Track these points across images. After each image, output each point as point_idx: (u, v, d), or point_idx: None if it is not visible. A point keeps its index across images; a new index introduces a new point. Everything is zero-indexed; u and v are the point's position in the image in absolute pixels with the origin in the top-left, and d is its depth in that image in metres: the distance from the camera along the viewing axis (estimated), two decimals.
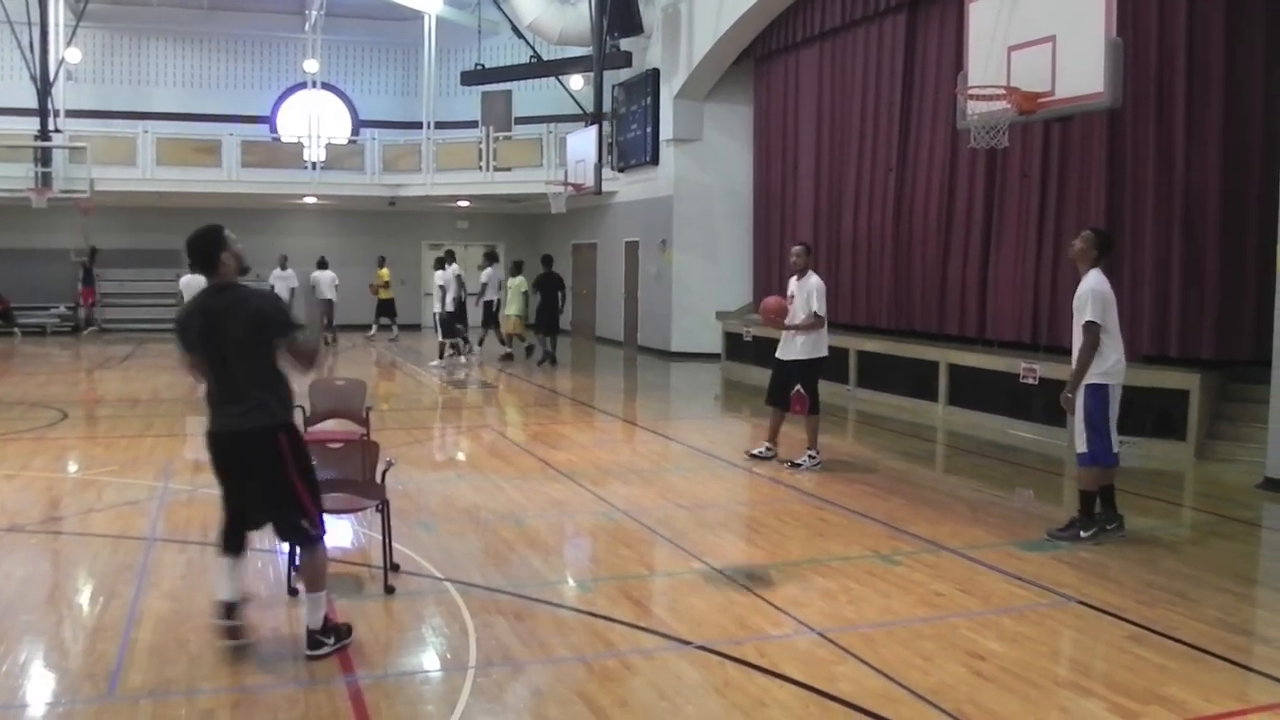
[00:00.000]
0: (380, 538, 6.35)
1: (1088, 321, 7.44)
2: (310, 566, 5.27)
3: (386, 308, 24.96)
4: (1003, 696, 4.75)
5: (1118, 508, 7.73)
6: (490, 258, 20.93)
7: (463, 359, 19.80)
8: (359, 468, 6.29)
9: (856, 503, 8.63)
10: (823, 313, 10.14)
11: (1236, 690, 4.90)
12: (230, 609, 5.15)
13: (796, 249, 10.51)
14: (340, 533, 7.53)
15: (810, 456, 10.16)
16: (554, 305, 19.92)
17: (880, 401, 14.72)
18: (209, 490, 8.83)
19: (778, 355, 10.37)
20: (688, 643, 5.40)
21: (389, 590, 6.14)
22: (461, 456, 11.44)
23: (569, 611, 5.94)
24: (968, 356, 13.38)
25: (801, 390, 10.15)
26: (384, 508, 6.26)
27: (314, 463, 5.98)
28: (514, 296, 19.85)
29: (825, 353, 10.35)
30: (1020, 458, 11.07)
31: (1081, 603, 6.08)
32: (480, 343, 20.72)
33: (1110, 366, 7.49)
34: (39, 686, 4.88)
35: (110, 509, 8.20)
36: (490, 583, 6.41)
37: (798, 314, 10.12)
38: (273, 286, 22.13)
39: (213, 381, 5.13)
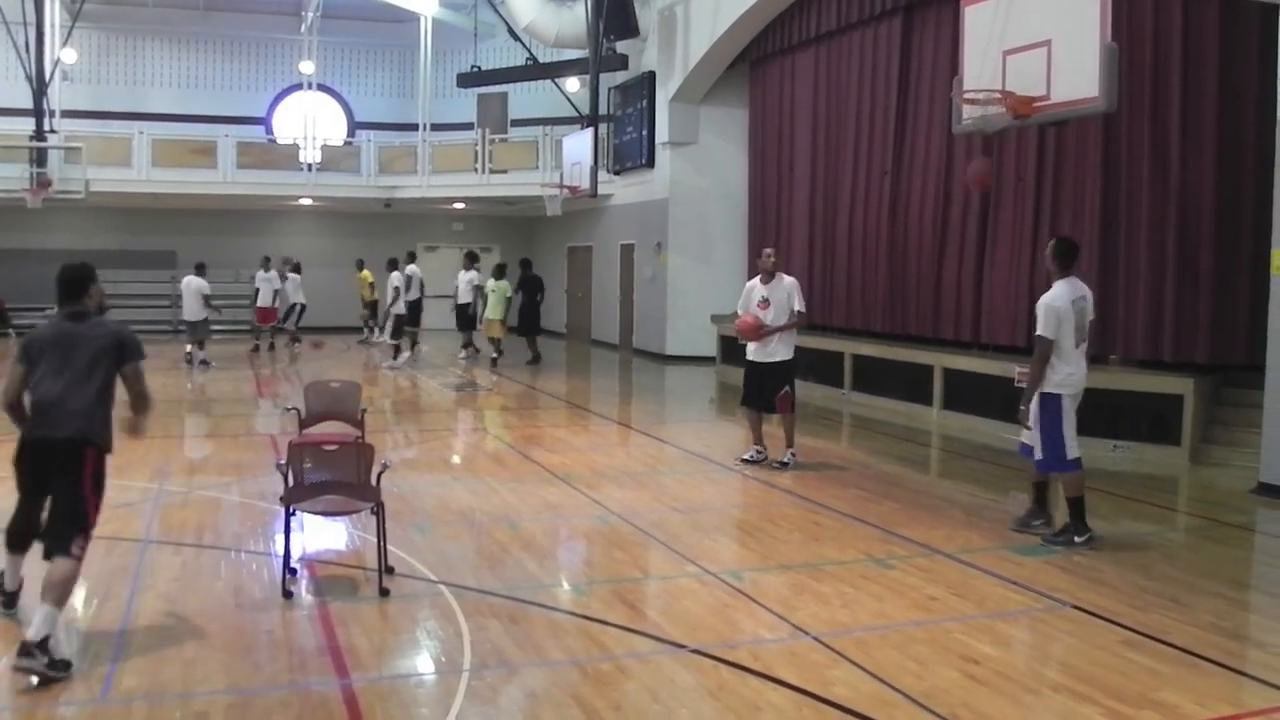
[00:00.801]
0: (375, 540, 6.35)
1: (1038, 335, 7.53)
2: (63, 582, 5.21)
3: (375, 309, 24.62)
4: (996, 700, 4.76)
5: (1048, 506, 7.97)
6: (471, 259, 20.61)
7: (398, 361, 19.42)
8: (354, 470, 6.28)
9: (851, 506, 8.64)
10: (804, 309, 10.23)
11: (1230, 695, 4.91)
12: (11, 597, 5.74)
13: (769, 251, 10.58)
14: (335, 535, 7.53)
15: (793, 454, 10.29)
16: (535, 306, 20.22)
17: (875, 405, 14.73)
18: (204, 492, 8.87)
19: (753, 359, 10.37)
20: (682, 646, 5.40)
21: (384, 593, 6.14)
22: (456, 459, 11.44)
23: (563, 614, 5.94)
24: (962, 360, 13.40)
25: (788, 390, 10.22)
26: (379, 510, 6.26)
27: (306, 465, 6.04)
28: (498, 301, 19.36)
29: (793, 353, 10.42)
30: (1015, 462, 11.04)
31: (1075, 607, 6.09)
32: (464, 346, 20.57)
33: (1062, 379, 7.51)
34: (33, 689, 4.87)
35: (105, 510, 8.16)
36: (485, 585, 6.41)
37: (780, 316, 10.16)
38: (258, 290, 22.07)
39: (44, 393, 5.43)
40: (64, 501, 5.43)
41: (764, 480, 9.78)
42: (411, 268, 20.03)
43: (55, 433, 5.39)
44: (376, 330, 23.98)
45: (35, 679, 4.82)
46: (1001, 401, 12.41)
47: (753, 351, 10.34)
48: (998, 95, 9.79)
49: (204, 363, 19.09)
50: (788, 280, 10.31)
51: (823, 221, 17.33)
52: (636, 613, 5.99)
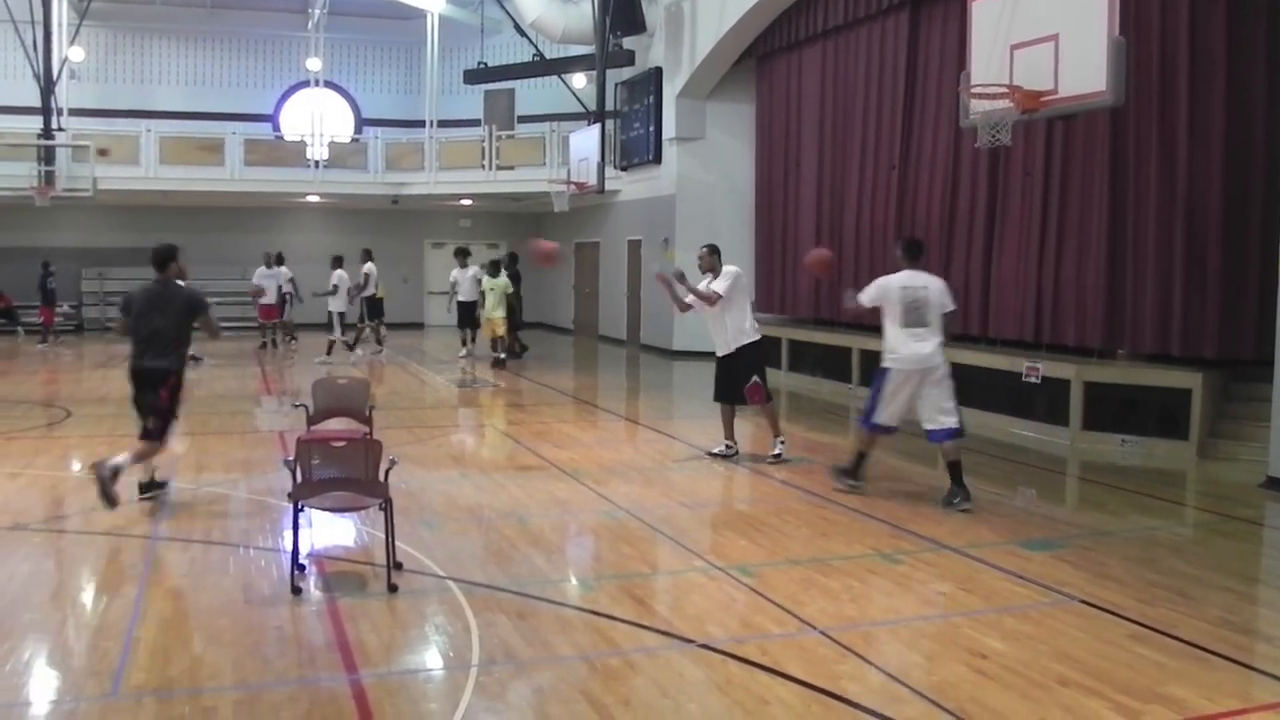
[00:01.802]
0: (383, 536, 6.36)
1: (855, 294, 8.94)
2: (142, 450, 8.19)
3: (377, 307, 24.40)
4: (1004, 695, 4.76)
5: (861, 473, 8.95)
6: (463, 254, 20.35)
7: (329, 356, 19.37)
8: (362, 466, 6.29)
9: (858, 501, 8.63)
10: (723, 293, 10.08)
11: (1239, 689, 4.90)
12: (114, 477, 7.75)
13: (704, 251, 10.54)
14: (343, 531, 7.55)
15: (781, 443, 10.28)
16: (517, 300, 20.06)
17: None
18: (212, 489, 8.90)
19: (718, 354, 10.38)
20: (690, 641, 5.41)
21: (392, 589, 6.15)
22: (464, 455, 11.45)
23: (571, 610, 5.95)
24: (970, 355, 13.36)
25: (757, 380, 10.17)
26: (387, 506, 6.27)
27: (314, 461, 6.08)
28: (497, 299, 18.72)
29: (759, 335, 10.37)
30: (1022, 456, 11.07)
31: (1083, 601, 6.09)
32: (466, 343, 20.45)
33: (889, 353, 8.61)
34: (43, 685, 4.90)
35: (114, 512, 8.21)
36: (493, 581, 6.42)
37: (727, 309, 10.16)
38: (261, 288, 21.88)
39: (140, 336, 8.29)
40: (148, 405, 8.27)
41: (771, 475, 9.78)
42: (369, 265, 20.52)
43: (146, 364, 8.26)
44: (366, 329, 24.00)
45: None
46: (1009, 396, 12.43)
47: (717, 347, 10.34)
48: (1005, 90, 9.78)
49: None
50: (724, 272, 10.24)
51: (830, 216, 17.31)
52: (645, 608, 6.00)
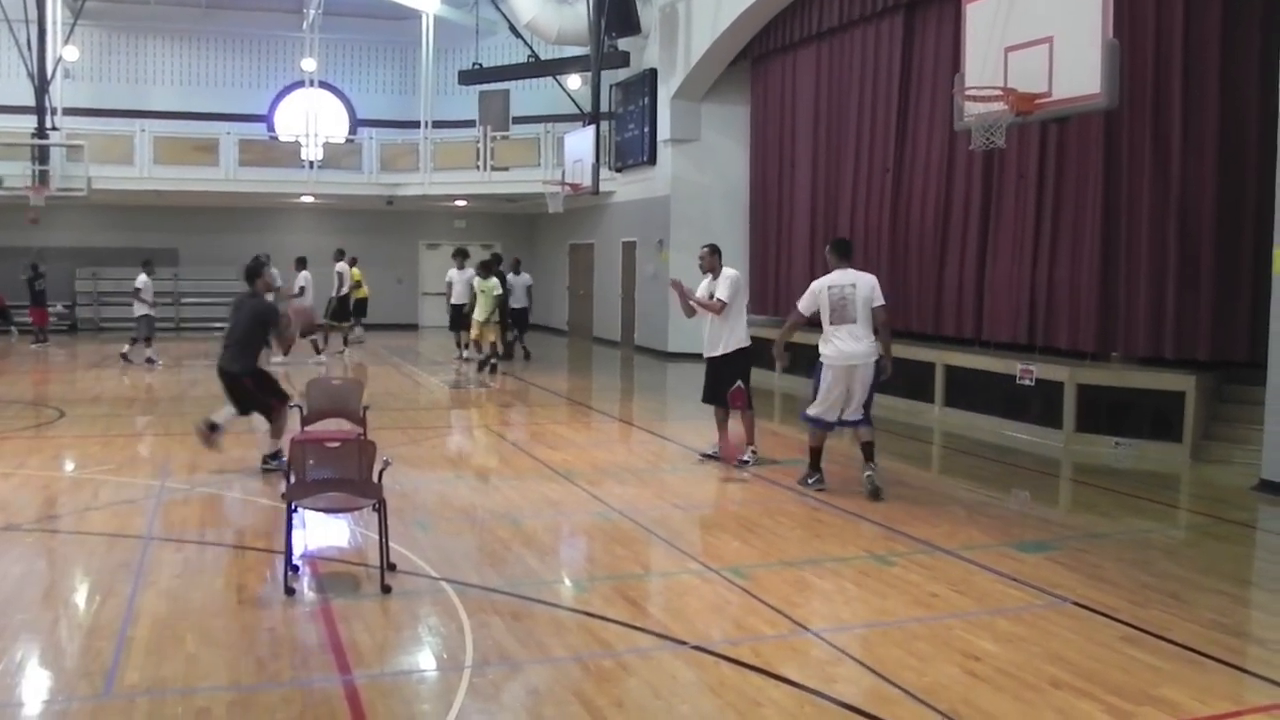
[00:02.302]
0: (377, 537, 6.35)
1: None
2: (268, 427, 9.70)
3: (360, 307, 24.35)
4: (997, 697, 4.76)
5: (820, 466, 9.26)
6: (461, 255, 20.00)
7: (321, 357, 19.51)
8: (356, 467, 6.29)
9: (852, 503, 8.64)
10: (727, 300, 10.08)
11: (1231, 692, 4.92)
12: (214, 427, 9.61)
13: (705, 250, 10.52)
14: (337, 532, 7.54)
15: (753, 452, 10.26)
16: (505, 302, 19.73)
17: (877, 402, 14.67)
18: (206, 489, 8.88)
19: (707, 355, 10.36)
20: (683, 643, 5.41)
21: (385, 589, 6.15)
22: (458, 456, 11.44)
23: (565, 611, 5.95)
24: (964, 357, 13.40)
25: (741, 385, 10.17)
26: (381, 507, 6.26)
27: (308, 462, 6.08)
28: (486, 301, 17.94)
29: (749, 342, 10.33)
30: (1016, 459, 11.09)
31: (1076, 604, 6.10)
32: (461, 346, 20.12)
33: (823, 351, 8.96)
34: (35, 685, 4.89)
35: (107, 507, 8.20)
36: (487, 582, 6.42)
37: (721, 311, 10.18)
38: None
39: (226, 339, 9.69)
40: (240, 398, 9.61)
41: (766, 477, 9.79)
42: (341, 265, 20.76)
43: (224, 365, 9.61)
44: (357, 328, 23.96)
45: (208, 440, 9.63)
46: (1003, 398, 12.45)
47: (706, 348, 10.33)
48: (999, 92, 9.79)
49: (154, 360, 18.94)
50: (724, 275, 10.21)
51: (824, 218, 17.32)
52: (638, 609, 6.00)
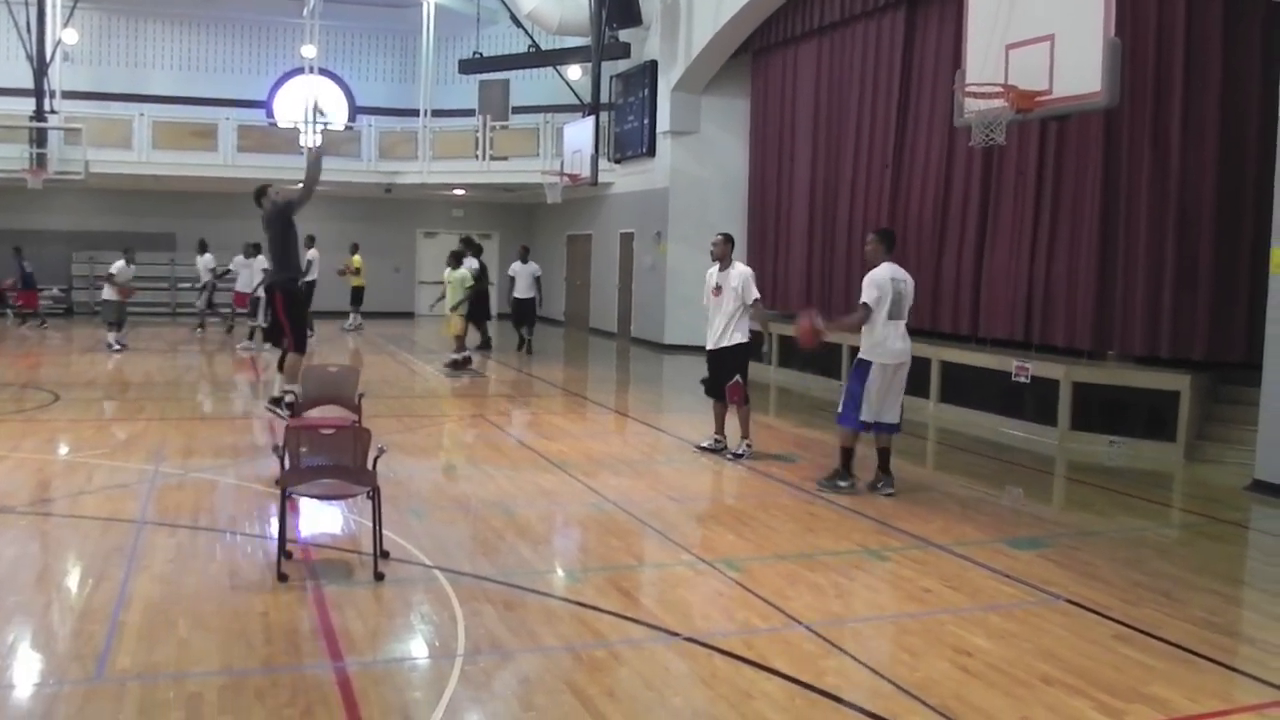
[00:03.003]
0: (370, 524, 6.35)
1: (861, 302, 8.64)
2: (288, 367, 10.08)
3: (358, 295, 24.32)
4: (988, 693, 4.77)
5: (852, 469, 8.84)
6: (470, 246, 19.19)
7: (251, 342, 19.24)
8: (350, 454, 6.28)
9: (846, 498, 8.64)
10: (755, 296, 10.15)
11: (1221, 690, 4.92)
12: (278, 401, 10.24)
13: (719, 237, 10.46)
14: (331, 519, 7.54)
15: (748, 446, 10.27)
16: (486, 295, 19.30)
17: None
18: (200, 475, 8.88)
19: (710, 348, 10.30)
20: (675, 634, 5.41)
21: (378, 577, 6.14)
22: (453, 445, 11.44)
23: (558, 601, 5.95)
24: (960, 354, 13.40)
25: (739, 379, 10.18)
26: (375, 494, 6.25)
27: (302, 449, 6.09)
28: (456, 290, 17.21)
29: (749, 337, 10.34)
30: (1011, 455, 11.10)
31: (1069, 601, 6.11)
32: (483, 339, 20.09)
33: (870, 346, 8.58)
34: (26, 668, 4.88)
35: (101, 492, 8.19)
36: (479, 571, 6.42)
37: (730, 303, 10.10)
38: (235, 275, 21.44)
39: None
40: (272, 322, 10.45)
41: (760, 470, 9.79)
42: (311, 252, 20.80)
43: (270, 280, 10.48)
44: (352, 315, 23.94)
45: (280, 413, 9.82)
46: (999, 395, 12.46)
47: (710, 340, 10.28)
48: (1000, 89, 9.79)
49: (117, 345, 18.68)
50: (741, 271, 10.20)
51: (823, 213, 17.32)
52: (631, 600, 6.00)
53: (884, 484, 8.79)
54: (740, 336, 10.18)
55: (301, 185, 9.96)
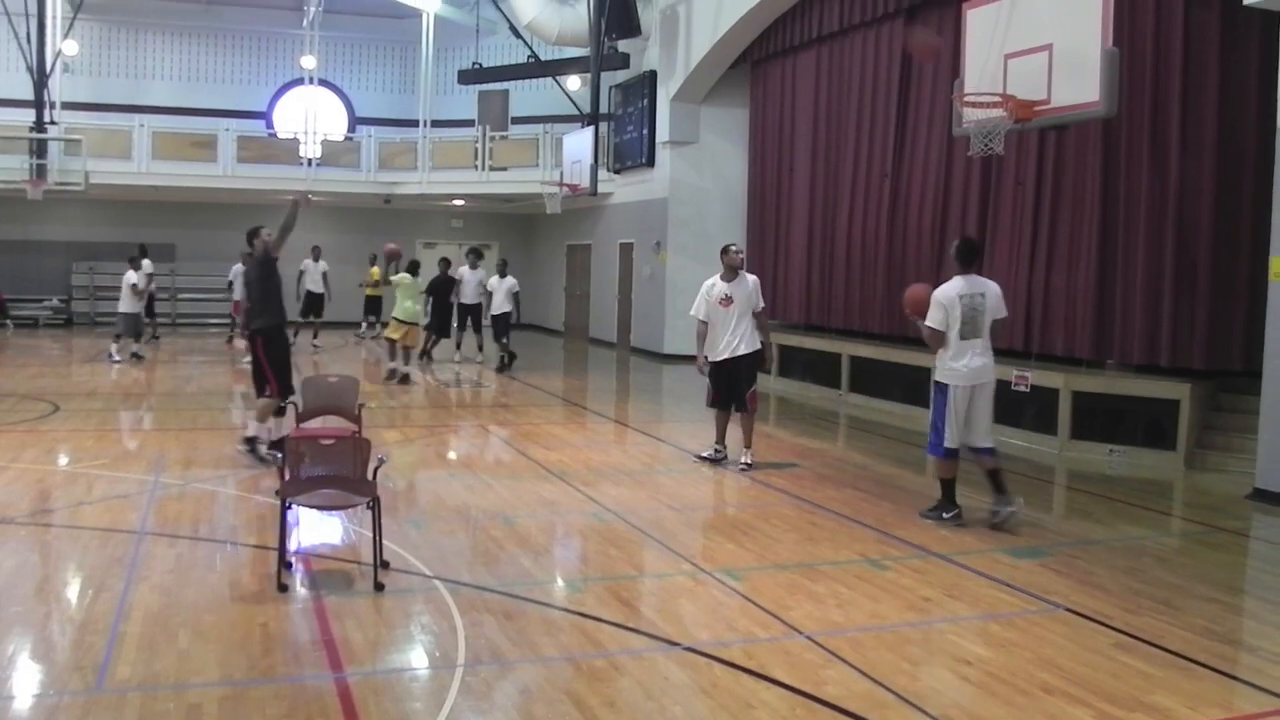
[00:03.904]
0: (370, 535, 6.35)
1: (925, 324, 8.10)
2: (260, 408, 9.83)
3: (373, 305, 24.41)
4: (989, 702, 4.77)
5: (956, 499, 8.28)
6: (475, 255, 19.41)
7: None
8: (350, 464, 6.29)
9: (846, 507, 8.65)
10: (761, 304, 10.34)
11: (1222, 699, 4.92)
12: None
13: (738, 246, 10.50)
14: (331, 529, 7.54)
15: (752, 455, 10.29)
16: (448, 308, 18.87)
17: (872, 407, 14.74)
18: (200, 485, 8.88)
19: (726, 356, 10.17)
20: (676, 644, 5.41)
21: (378, 587, 6.14)
22: (453, 455, 11.44)
23: (558, 611, 5.95)
24: None
25: (756, 388, 10.22)
26: (375, 505, 6.26)
27: (303, 459, 6.09)
28: (407, 294, 16.77)
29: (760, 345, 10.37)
30: (1010, 465, 11.05)
31: (1069, 610, 6.10)
32: (459, 347, 19.67)
33: (946, 368, 8.09)
34: (26, 679, 4.88)
35: (101, 502, 8.19)
36: (480, 581, 6.42)
37: (745, 313, 10.15)
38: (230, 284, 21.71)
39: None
40: (254, 366, 9.83)
41: (760, 480, 9.79)
42: (306, 262, 21.91)
43: (249, 325, 10.03)
44: (375, 325, 23.89)
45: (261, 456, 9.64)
46: (998, 404, 12.41)
47: (722, 349, 10.20)
48: (998, 99, 9.80)
49: (132, 356, 18.79)
50: (751, 278, 10.30)
51: (822, 222, 17.33)
52: (631, 610, 6.00)
53: (1000, 510, 8.08)
54: (755, 344, 10.20)
55: (278, 231, 9.93)
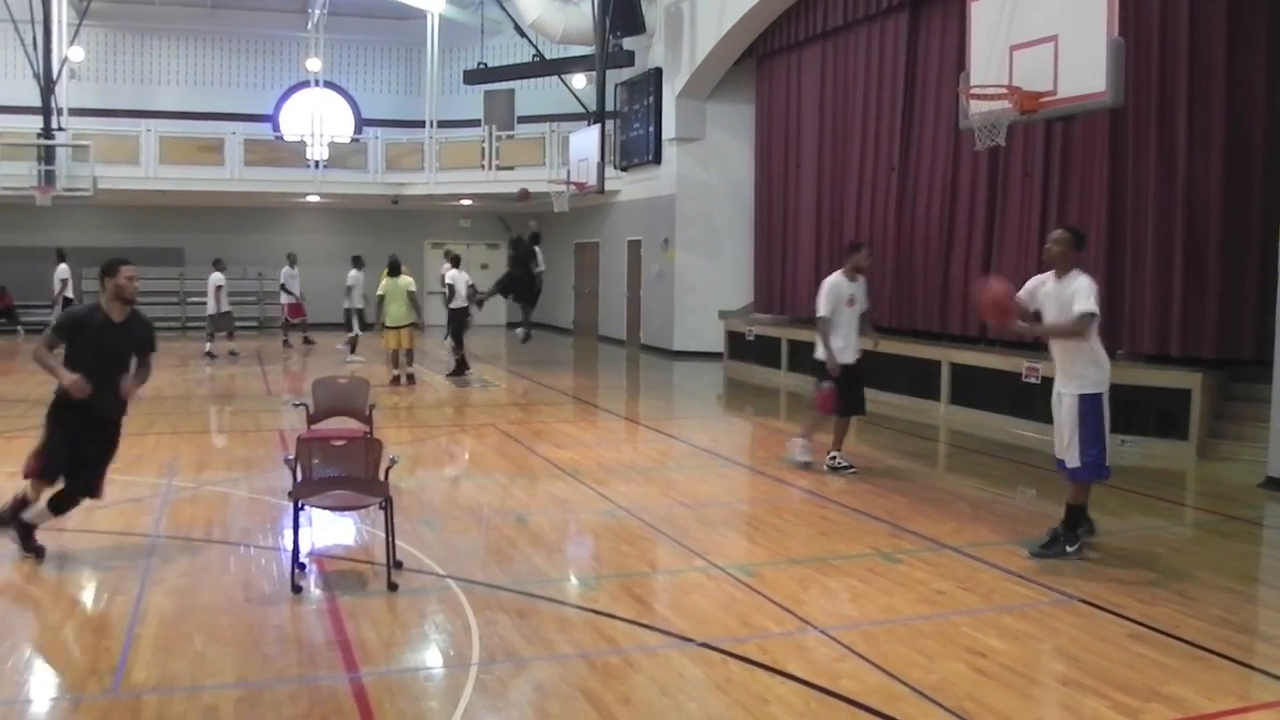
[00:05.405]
0: (383, 535, 6.37)
1: (1089, 313, 6.96)
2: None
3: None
4: (1003, 694, 4.76)
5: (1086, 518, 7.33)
6: (453, 261, 18.77)
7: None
8: (362, 465, 6.31)
9: (859, 501, 8.64)
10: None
11: (1238, 688, 4.91)
12: None
13: (866, 250, 10.21)
14: (344, 530, 7.56)
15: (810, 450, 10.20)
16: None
17: (882, 400, 14.68)
18: (212, 488, 8.90)
19: (851, 361, 9.92)
20: (690, 640, 5.42)
21: (392, 587, 6.16)
22: (464, 454, 11.45)
23: (571, 609, 5.96)
24: (970, 355, 13.39)
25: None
26: (387, 505, 6.28)
27: (315, 460, 6.11)
28: (392, 299, 16.63)
29: None
30: (1022, 456, 11.07)
31: (1083, 600, 6.09)
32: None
33: (1103, 375, 7.11)
34: (44, 682, 4.91)
35: (114, 506, 8.19)
36: (493, 580, 6.43)
37: (857, 313, 9.97)
38: (283, 285, 23.06)
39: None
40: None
41: (772, 475, 9.79)
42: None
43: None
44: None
45: None
46: (1009, 396, 12.44)
47: (852, 353, 9.90)
48: (1004, 90, 9.79)
49: (231, 353, 20.70)
50: (862, 278, 10.04)
51: (829, 217, 17.31)
52: (644, 607, 6.01)
53: (1071, 545, 7.04)
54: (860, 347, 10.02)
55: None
